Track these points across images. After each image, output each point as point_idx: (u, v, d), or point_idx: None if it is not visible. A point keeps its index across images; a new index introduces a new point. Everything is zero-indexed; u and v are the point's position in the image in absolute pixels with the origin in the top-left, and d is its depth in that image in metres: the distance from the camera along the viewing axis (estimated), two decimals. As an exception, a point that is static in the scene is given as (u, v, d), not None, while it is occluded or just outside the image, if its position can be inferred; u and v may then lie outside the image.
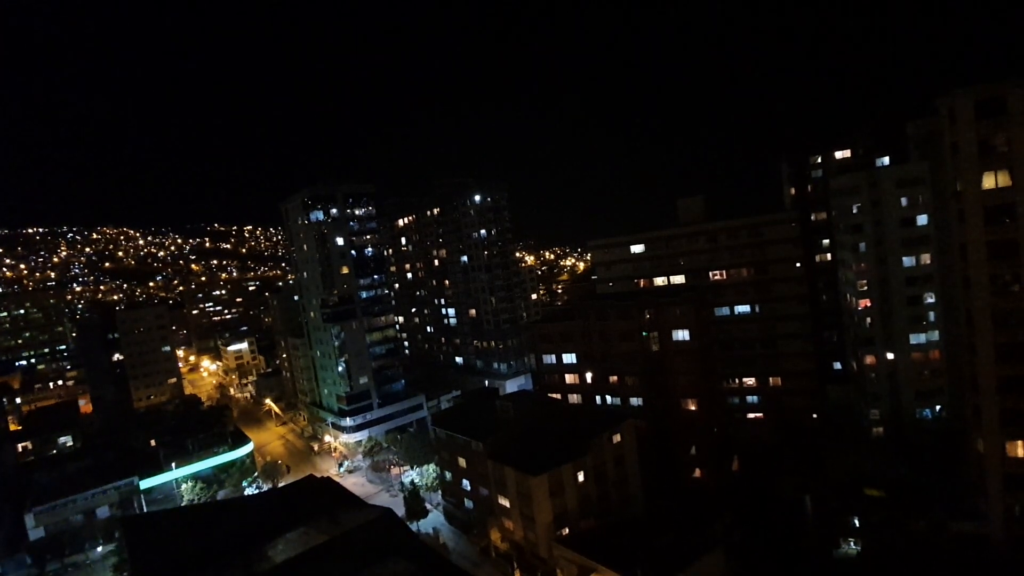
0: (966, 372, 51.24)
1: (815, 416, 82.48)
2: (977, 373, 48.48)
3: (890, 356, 68.79)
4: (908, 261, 66.80)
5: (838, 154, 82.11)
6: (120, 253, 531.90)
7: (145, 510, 76.97)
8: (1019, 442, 47.38)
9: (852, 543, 54.54)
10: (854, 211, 69.14)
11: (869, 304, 69.28)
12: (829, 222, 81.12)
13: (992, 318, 46.99)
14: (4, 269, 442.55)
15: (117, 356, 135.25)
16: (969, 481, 51.45)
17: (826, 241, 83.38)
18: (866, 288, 69.23)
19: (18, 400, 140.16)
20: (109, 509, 75.52)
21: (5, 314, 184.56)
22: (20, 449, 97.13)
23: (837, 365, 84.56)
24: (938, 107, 48.61)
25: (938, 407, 67.68)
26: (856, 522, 54.59)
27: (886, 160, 74.59)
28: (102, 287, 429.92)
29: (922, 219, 65.85)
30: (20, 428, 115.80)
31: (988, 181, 45.97)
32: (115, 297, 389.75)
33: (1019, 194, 44.97)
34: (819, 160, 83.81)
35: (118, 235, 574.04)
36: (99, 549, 72.73)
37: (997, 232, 46.05)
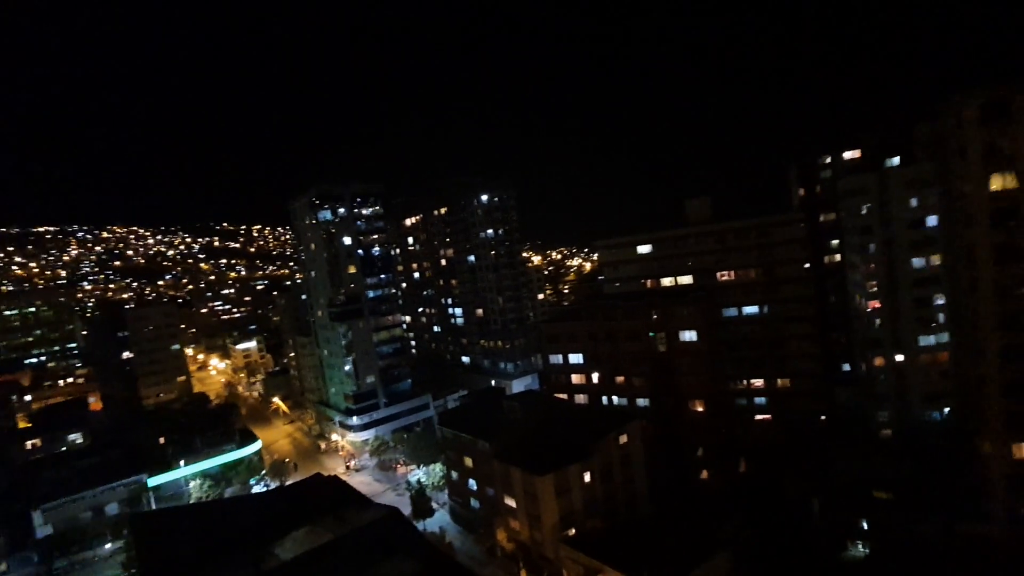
0: (972, 374, 50.91)
1: (823, 418, 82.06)
2: (983, 375, 48.19)
3: (899, 358, 68.38)
4: (917, 262, 66.35)
5: (847, 155, 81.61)
6: (130, 252, 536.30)
7: (154, 507, 77.65)
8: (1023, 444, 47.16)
9: (860, 545, 54.31)
10: (863, 212, 68.78)
11: (878, 306, 68.89)
12: (838, 223, 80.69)
13: (997, 321, 46.69)
14: (15, 268, 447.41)
15: (126, 354, 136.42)
16: (975, 483, 51.13)
17: (835, 242, 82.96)
18: (875, 289, 68.86)
19: (28, 397, 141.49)
20: (118, 506, 76.13)
21: (16, 312, 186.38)
22: (29, 446, 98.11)
23: (846, 367, 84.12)
24: (944, 110, 48.31)
25: (946, 409, 67.22)
26: (864, 524, 54.36)
27: (895, 161, 74.15)
28: (112, 285, 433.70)
29: (931, 220, 65.40)
30: (29, 425, 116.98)
31: (995, 183, 45.65)
32: (125, 295, 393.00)
33: (1028, 196, 44.68)
34: (828, 161, 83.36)
35: (128, 234, 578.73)
36: (108, 546, 73.41)
37: (1003, 235, 45.73)
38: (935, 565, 46.85)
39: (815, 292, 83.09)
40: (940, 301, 66.23)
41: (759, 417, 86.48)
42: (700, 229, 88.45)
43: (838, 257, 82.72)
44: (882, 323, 68.78)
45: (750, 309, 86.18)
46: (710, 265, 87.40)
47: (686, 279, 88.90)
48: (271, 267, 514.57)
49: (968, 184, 46.63)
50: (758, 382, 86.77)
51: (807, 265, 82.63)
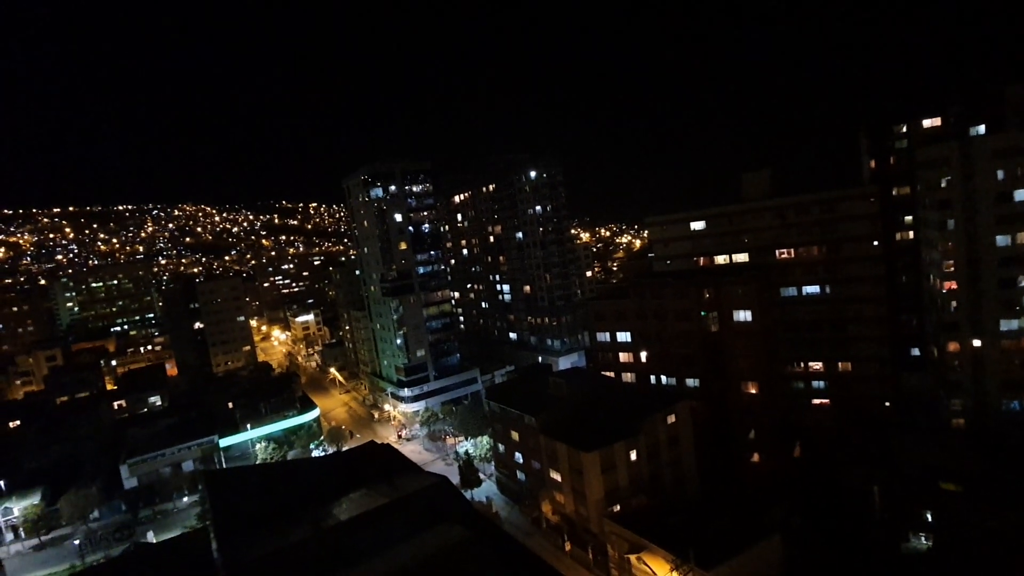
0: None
1: (887, 404, 78.02)
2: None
3: (976, 343, 63.76)
4: (1002, 240, 61.19)
5: (926, 122, 75.35)
6: (199, 228, 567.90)
7: (224, 466, 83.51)
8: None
9: (923, 538, 51.81)
10: (942, 185, 63.75)
11: (955, 287, 64.18)
12: (913, 197, 75.19)
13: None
14: (100, 243, 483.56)
15: (198, 324, 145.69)
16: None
17: (908, 218, 77.45)
18: (952, 269, 64.11)
19: (114, 362, 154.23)
20: (193, 463, 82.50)
21: (101, 284, 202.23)
22: (116, 407, 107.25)
23: (915, 351, 79.25)
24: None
25: (1029, 399, 62.36)
26: (929, 517, 51.71)
27: (981, 129, 67.94)
28: (184, 260, 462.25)
29: (1020, 194, 59.87)
30: (115, 388, 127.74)
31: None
32: (195, 270, 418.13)
33: None
34: (903, 129, 77.30)
35: (197, 212, 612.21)
36: (185, 499, 79.85)
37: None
38: (1003, 562, 44.08)
39: (884, 271, 78.25)
40: (1027, 282, 60.98)
41: (817, 401, 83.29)
42: (758, 205, 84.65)
43: (911, 234, 77.31)
44: (959, 305, 64.12)
45: (811, 289, 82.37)
46: (768, 242, 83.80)
47: (741, 257, 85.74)
48: (327, 243, 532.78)
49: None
50: (817, 365, 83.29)
51: (876, 243, 77.75)
